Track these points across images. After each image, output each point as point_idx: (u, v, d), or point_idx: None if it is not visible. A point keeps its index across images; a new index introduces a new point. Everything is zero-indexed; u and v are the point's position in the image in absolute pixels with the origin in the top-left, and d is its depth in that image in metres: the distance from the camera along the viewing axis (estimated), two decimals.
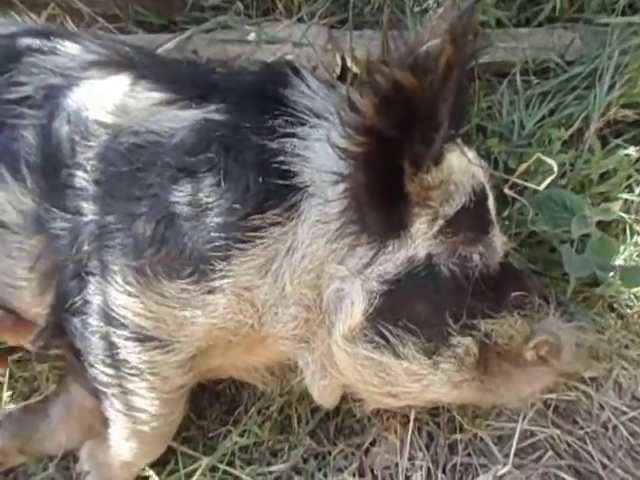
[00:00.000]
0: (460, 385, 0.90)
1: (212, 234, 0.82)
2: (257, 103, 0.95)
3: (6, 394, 1.22)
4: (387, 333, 0.84)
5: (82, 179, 0.88)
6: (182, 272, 0.83)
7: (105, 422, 1.07)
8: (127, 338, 0.87)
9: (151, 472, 1.00)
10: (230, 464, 1.03)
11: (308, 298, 0.85)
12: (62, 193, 0.89)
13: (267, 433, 1.05)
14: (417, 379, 0.86)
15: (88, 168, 0.89)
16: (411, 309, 0.84)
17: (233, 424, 1.09)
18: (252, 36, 1.36)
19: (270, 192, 0.85)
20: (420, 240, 0.86)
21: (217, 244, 0.82)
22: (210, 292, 0.84)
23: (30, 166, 0.90)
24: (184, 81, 1.00)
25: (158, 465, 1.04)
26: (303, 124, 0.93)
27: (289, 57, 1.30)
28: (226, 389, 1.17)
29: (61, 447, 1.13)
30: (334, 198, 0.86)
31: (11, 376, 1.21)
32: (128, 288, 0.84)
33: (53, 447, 1.13)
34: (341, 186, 0.84)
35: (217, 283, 0.83)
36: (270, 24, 1.41)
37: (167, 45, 1.45)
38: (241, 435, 1.04)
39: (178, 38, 1.44)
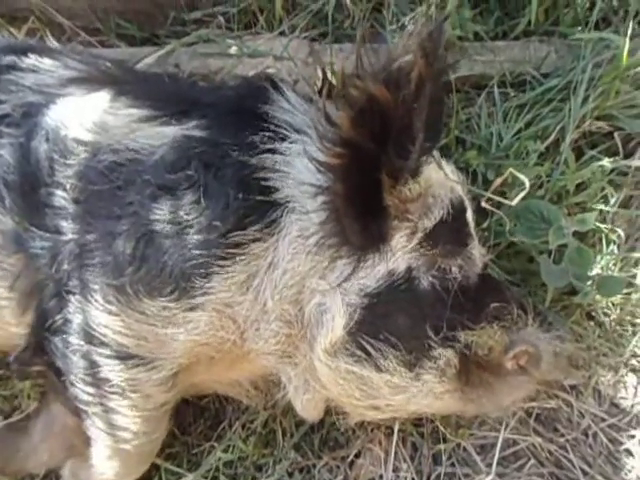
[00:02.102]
0: (442, 396, 0.91)
1: (192, 251, 0.82)
2: (238, 119, 0.96)
3: None
4: (368, 346, 0.84)
5: (61, 198, 0.88)
6: (163, 290, 0.83)
7: (87, 441, 1.07)
8: (108, 356, 0.86)
9: None
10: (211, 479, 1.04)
11: (289, 313, 0.86)
12: (41, 212, 0.89)
13: (252, 447, 1.05)
14: (399, 391, 0.87)
15: (67, 187, 0.89)
16: (392, 322, 0.85)
17: (217, 439, 1.08)
18: (234, 49, 1.36)
19: (250, 208, 0.85)
20: (400, 253, 0.87)
21: (197, 261, 0.82)
22: (191, 309, 0.84)
23: (8, 185, 0.90)
24: (165, 97, 1.00)
25: None
26: (283, 139, 0.94)
27: (270, 71, 1.31)
28: (210, 404, 1.16)
29: (43, 466, 1.12)
30: (314, 212, 0.88)
31: None
32: (108, 307, 0.84)
33: (35, 466, 1.12)
34: (320, 199, 0.85)
35: (198, 300, 0.83)
36: (252, 37, 1.42)
37: (148, 59, 1.45)
38: (225, 450, 1.04)
39: (160, 52, 1.43)
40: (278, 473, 1.04)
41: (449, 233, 0.88)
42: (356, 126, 0.73)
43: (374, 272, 0.85)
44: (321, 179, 0.83)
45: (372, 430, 1.10)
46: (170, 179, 0.85)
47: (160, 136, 0.91)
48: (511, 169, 0.95)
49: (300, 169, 0.91)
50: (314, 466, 1.06)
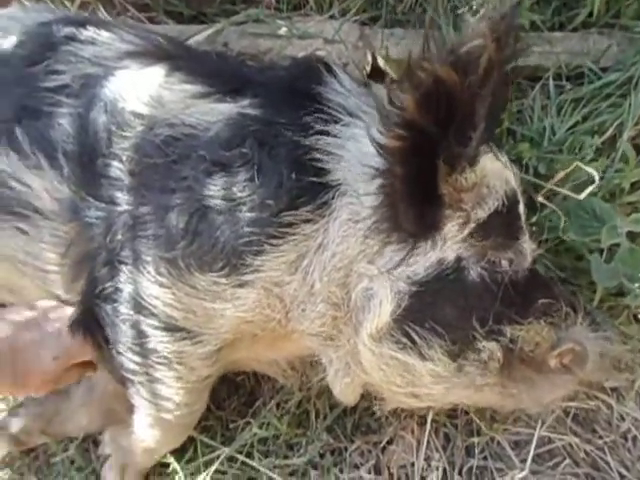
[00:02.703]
0: (482, 389, 0.90)
1: (245, 229, 0.83)
2: (291, 99, 0.96)
3: None
4: (413, 334, 0.84)
5: (117, 169, 0.90)
6: (214, 265, 0.84)
7: (127, 408, 1.09)
8: (156, 327, 0.88)
9: (172, 459, 1.02)
10: (248, 455, 1.05)
11: (336, 296, 0.86)
12: (97, 182, 0.91)
13: (285, 426, 1.07)
14: (440, 381, 0.87)
15: (123, 159, 0.90)
16: (438, 311, 0.84)
17: (252, 416, 1.10)
18: (283, 30, 1.35)
19: (303, 189, 0.86)
20: (450, 242, 0.85)
21: (249, 239, 0.83)
22: (240, 286, 0.85)
23: (67, 155, 0.92)
24: (218, 74, 1.00)
25: (177, 452, 1.06)
26: (336, 122, 0.93)
27: (320, 53, 1.31)
28: (245, 381, 1.18)
29: (82, 430, 1.16)
30: (366, 197, 0.87)
31: None
32: (160, 279, 0.85)
33: (74, 429, 1.16)
34: (375, 183, 0.85)
35: (248, 277, 0.84)
36: (302, 19, 1.41)
37: (197, 37, 1.46)
38: (260, 427, 1.05)
39: (209, 30, 1.44)
40: (310, 453, 1.06)
41: (501, 225, 0.86)
42: (421, 108, 0.72)
43: (424, 260, 0.85)
44: (378, 162, 0.83)
45: (405, 418, 1.10)
46: (225, 156, 0.86)
47: (215, 113, 0.91)
48: (578, 162, 0.93)
49: (353, 152, 0.90)
50: (346, 449, 1.07)
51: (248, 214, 0.83)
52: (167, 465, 1.08)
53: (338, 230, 0.86)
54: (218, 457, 1.06)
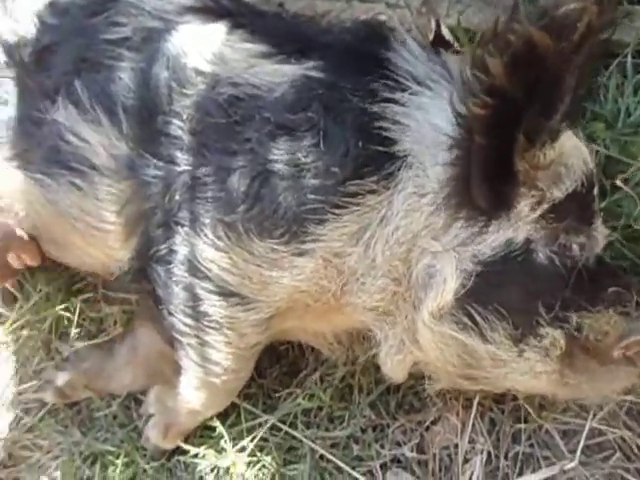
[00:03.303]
0: (540, 376, 0.87)
1: (308, 196, 0.80)
2: (357, 63, 0.91)
3: (74, 331, 1.28)
4: (476, 315, 0.81)
5: (178, 128, 0.87)
6: (274, 232, 0.82)
7: (171, 369, 1.09)
8: (210, 291, 0.87)
9: (217, 423, 1.02)
10: (291, 425, 1.04)
11: (397, 271, 0.83)
12: (157, 140, 0.89)
13: (329, 399, 1.06)
14: (500, 365, 0.84)
15: (184, 117, 0.87)
16: (503, 293, 0.81)
17: (294, 386, 1.09)
18: None
19: (369, 158, 0.82)
20: (521, 223, 0.81)
21: (312, 207, 0.80)
22: (299, 255, 0.82)
23: (127, 110, 0.90)
24: (280, 34, 0.96)
25: (221, 417, 1.06)
26: (404, 90, 0.88)
27: (382, 17, 1.25)
28: (288, 351, 1.18)
29: (125, 388, 1.17)
30: (433, 169, 0.83)
31: (80, 315, 1.26)
32: (217, 242, 0.84)
33: (117, 387, 1.17)
34: (444, 155, 0.80)
35: (308, 246, 0.82)
36: None
37: None
38: (304, 398, 1.05)
39: None
40: (352, 428, 1.05)
41: (576, 208, 0.82)
42: (510, 74, 0.67)
43: (492, 239, 0.80)
44: (452, 133, 0.79)
45: (450, 399, 1.08)
46: (290, 119, 0.82)
47: (279, 74, 0.87)
48: None
49: (421, 123, 0.86)
50: (388, 426, 1.06)
51: (312, 181, 0.80)
52: (208, 428, 1.09)
53: (403, 203, 0.83)
54: (260, 424, 1.06)
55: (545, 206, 0.81)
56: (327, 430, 1.06)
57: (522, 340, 0.82)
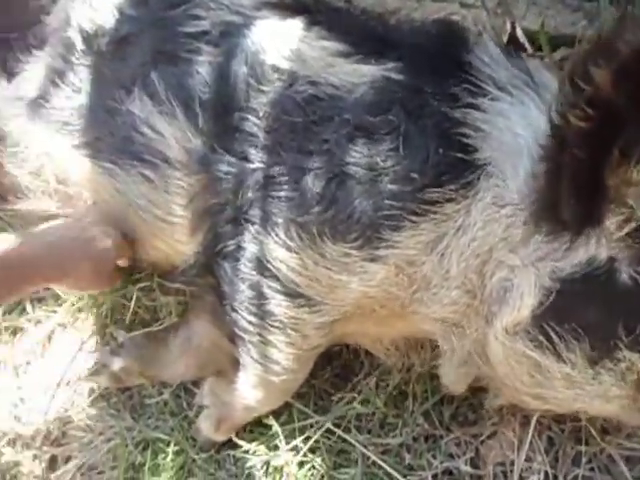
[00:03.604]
0: (612, 400, 0.83)
1: (385, 201, 0.79)
2: (437, 66, 0.89)
3: (129, 318, 1.30)
4: (552, 334, 0.77)
5: (254, 125, 0.87)
6: (347, 236, 0.80)
7: (223, 361, 1.10)
8: (277, 291, 0.86)
9: (273, 421, 1.03)
10: (343, 428, 1.04)
11: (472, 283, 0.81)
12: (231, 136, 0.88)
13: (382, 405, 1.06)
14: (572, 386, 0.80)
15: (260, 114, 0.87)
16: (582, 313, 0.77)
17: (346, 389, 1.08)
18: None
19: (449, 165, 0.80)
20: (605, 241, 0.77)
21: (389, 212, 0.79)
22: (372, 260, 0.81)
23: (203, 104, 0.90)
24: (358, 33, 0.94)
25: (274, 414, 1.06)
26: (485, 95, 0.85)
27: (454, 17, 1.22)
28: (340, 353, 1.17)
29: (177, 377, 1.18)
30: (515, 180, 0.80)
31: (135, 302, 1.28)
32: (288, 243, 0.83)
33: (170, 376, 1.19)
34: (529, 165, 0.77)
35: (381, 252, 0.80)
36: None
37: None
38: (359, 402, 1.05)
39: None
40: (404, 436, 1.04)
41: None
42: (616, 85, 0.63)
43: (574, 256, 0.77)
44: (543, 143, 0.76)
45: (506, 414, 1.06)
46: (370, 121, 0.81)
47: (359, 74, 0.86)
48: None
49: (502, 130, 0.83)
50: (441, 437, 1.04)
51: (390, 186, 0.79)
52: (259, 424, 1.09)
53: (481, 213, 0.80)
54: (312, 425, 1.06)
55: (632, 224, 0.77)
56: (379, 436, 1.05)
57: (598, 362, 0.79)
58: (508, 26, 1.21)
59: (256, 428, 1.11)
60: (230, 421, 1.05)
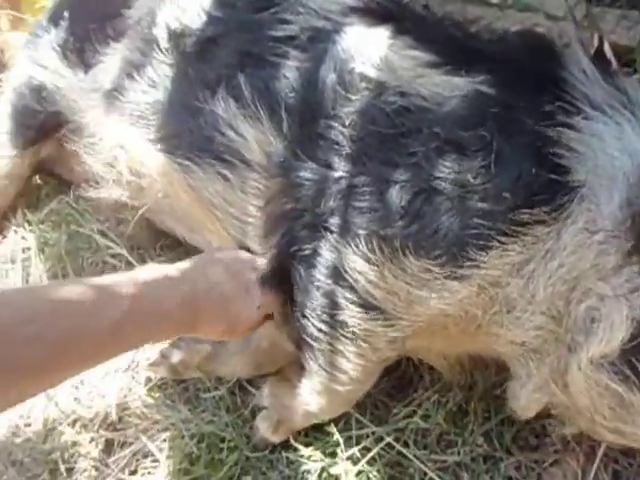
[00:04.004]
0: None
1: (474, 220, 0.77)
2: (530, 81, 0.86)
3: None
4: None
5: (339, 133, 0.86)
6: (431, 252, 0.79)
7: (280, 363, 1.12)
8: (353, 302, 0.85)
9: (333, 429, 1.02)
10: (401, 442, 1.03)
11: (558, 310, 0.79)
12: (315, 143, 0.88)
13: (443, 422, 1.04)
14: None
15: (347, 123, 0.86)
16: None
17: (409, 403, 1.07)
18: None
19: (542, 186, 0.77)
20: None
21: (477, 231, 0.77)
22: (454, 279, 0.79)
23: (288, 109, 0.89)
24: (446, 42, 0.92)
25: (332, 421, 1.05)
26: (579, 114, 0.82)
27: (539, 29, 1.18)
28: (398, 364, 1.16)
29: (234, 374, 1.19)
30: (609, 206, 0.77)
31: None
32: (369, 255, 0.82)
33: (227, 372, 1.19)
34: (624, 190, 0.75)
35: (465, 271, 0.78)
36: None
37: None
38: (420, 417, 1.04)
39: None
40: (463, 455, 1.02)
41: None
42: None
43: None
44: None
45: (570, 442, 1.04)
46: (461, 136, 0.79)
47: (450, 86, 0.84)
48: None
49: (596, 152, 0.80)
50: (501, 459, 1.02)
51: (479, 204, 0.77)
52: (316, 428, 1.09)
53: (571, 238, 0.78)
54: (367, 435, 1.05)
55: None
56: (437, 453, 1.03)
57: None
58: (595, 40, 1.17)
59: (311, 432, 1.10)
60: (288, 424, 1.05)
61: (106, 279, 0.79)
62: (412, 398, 1.08)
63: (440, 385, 1.09)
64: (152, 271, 0.84)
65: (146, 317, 0.76)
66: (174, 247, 1.35)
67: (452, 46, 0.92)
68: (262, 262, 0.94)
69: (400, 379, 1.16)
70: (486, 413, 1.05)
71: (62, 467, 1.23)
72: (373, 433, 1.05)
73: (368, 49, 0.89)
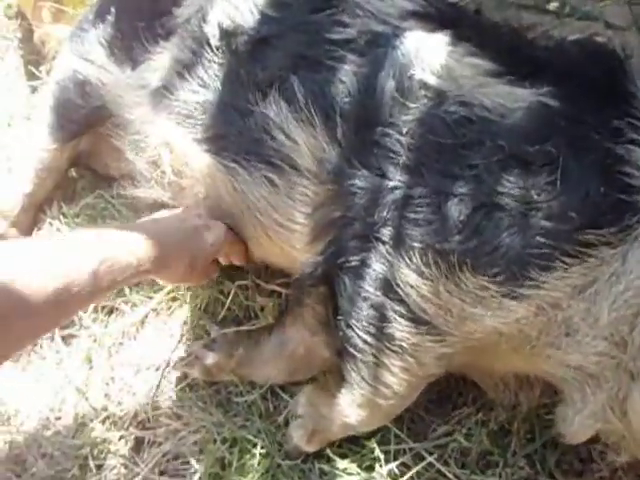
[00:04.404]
0: None
1: (537, 238, 0.74)
2: (596, 95, 0.82)
3: (223, 314, 1.31)
4: None
5: (396, 142, 0.83)
6: (489, 269, 0.76)
7: (314, 370, 1.10)
8: (402, 315, 0.83)
9: (372, 443, 1.00)
10: (442, 461, 1.00)
11: (621, 336, 0.76)
12: (370, 151, 0.85)
13: (486, 441, 1.01)
14: None
15: (404, 131, 0.83)
16: None
17: (448, 419, 1.04)
18: (554, 5, 1.20)
19: (610, 206, 0.75)
20: None
21: (539, 250, 0.74)
22: (512, 298, 0.77)
23: (344, 115, 0.87)
24: (508, 51, 0.89)
25: (370, 433, 1.04)
26: None
27: (598, 39, 1.14)
28: (437, 379, 1.14)
29: (268, 379, 1.17)
30: None
31: (231, 299, 1.29)
32: (423, 269, 0.80)
33: (260, 377, 1.18)
34: None
35: (524, 291, 0.76)
36: None
37: None
38: (462, 435, 1.01)
39: None
40: (504, 477, 0.99)
41: None
42: None
43: None
44: None
45: (616, 471, 1.00)
46: (527, 151, 0.76)
47: (513, 97, 0.81)
48: None
49: None
50: None
51: (543, 222, 0.74)
52: (351, 440, 1.07)
53: (638, 261, 0.75)
54: (404, 451, 1.03)
55: None
56: (477, 473, 1.00)
57: None
58: None
59: (345, 444, 1.09)
60: (324, 435, 1.04)
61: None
62: (451, 414, 1.06)
63: (481, 403, 1.06)
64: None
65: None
66: None
67: (513, 54, 0.88)
68: (201, 210, 1.04)
69: (438, 393, 1.13)
70: (529, 434, 1.02)
71: (92, 463, 1.23)
72: (411, 449, 1.03)
73: (428, 55, 0.86)
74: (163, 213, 1.14)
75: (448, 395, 1.10)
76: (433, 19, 0.94)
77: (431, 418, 1.08)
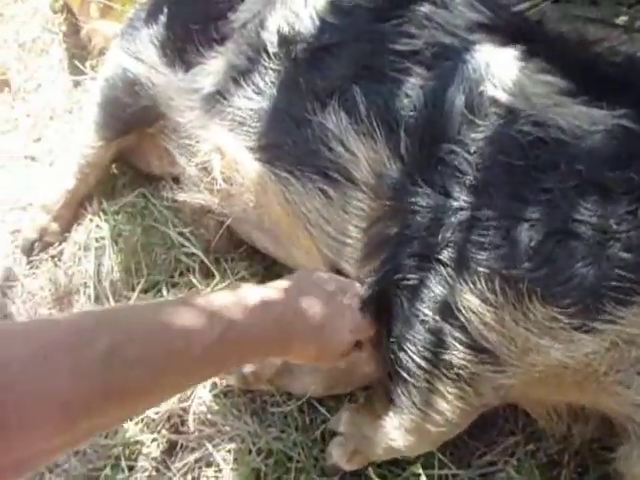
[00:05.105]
0: None
1: (615, 270, 0.70)
2: None
3: None
4: None
5: (464, 160, 0.80)
6: (561, 300, 0.72)
7: (352, 385, 1.09)
8: (462, 342, 0.79)
9: (419, 469, 0.97)
10: None
11: None
12: (434, 168, 0.82)
13: (537, 473, 0.98)
14: None
15: (472, 149, 0.80)
16: None
17: (492, 447, 1.01)
18: (623, 19, 1.15)
19: None
20: None
21: (616, 283, 0.70)
22: (585, 331, 0.73)
23: (408, 130, 0.84)
24: (581, 69, 0.85)
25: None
26: None
27: None
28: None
29: (305, 391, 1.14)
30: None
31: None
32: (487, 295, 0.76)
33: (298, 389, 1.15)
34: None
35: (598, 325, 0.72)
36: None
37: None
38: (512, 467, 0.98)
39: (522, 5, 1.28)
40: None
41: None
42: None
43: None
44: None
45: None
46: (607, 177, 0.72)
47: (590, 119, 0.77)
48: None
49: None
50: None
51: (622, 254, 0.70)
52: (391, 461, 1.06)
53: None
54: (447, 477, 1.00)
55: None
56: None
57: None
58: None
59: (385, 464, 1.05)
60: (366, 455, 1.01)
61: (212, 298, 0.77)
62: (495, 441, 1.02)
63: (528, 432, 1.02)
64: (253, 294, 0.79)
65: (236, 345, 0.74)
66: (251, 256, 1.31)
67: (584, 71, 0.84)
68: (359, 288, 0.90)
69: (482, 417, 1.09)
70: (580, 468, 0.98)
71: (124, 463, 1.22)
72: (454, 475, 1.00)
73: (499, 71, 0.83)
74: (318, 275, 0.91)
75: (494, 421, 1.07)
76: (502, 32, 0.90)
77: (475, 444, 1.04)
